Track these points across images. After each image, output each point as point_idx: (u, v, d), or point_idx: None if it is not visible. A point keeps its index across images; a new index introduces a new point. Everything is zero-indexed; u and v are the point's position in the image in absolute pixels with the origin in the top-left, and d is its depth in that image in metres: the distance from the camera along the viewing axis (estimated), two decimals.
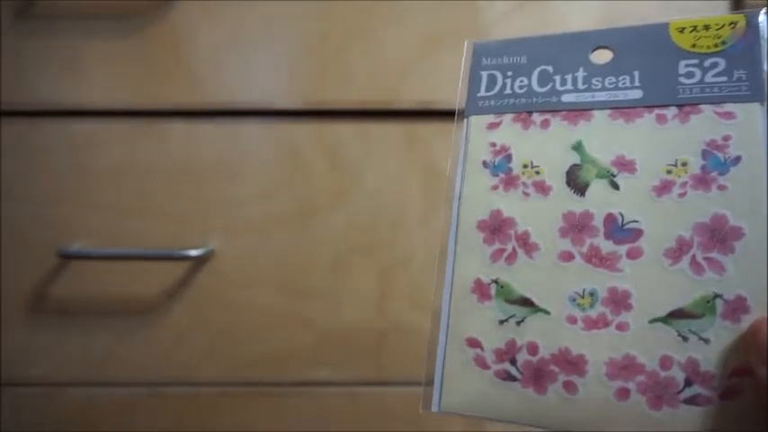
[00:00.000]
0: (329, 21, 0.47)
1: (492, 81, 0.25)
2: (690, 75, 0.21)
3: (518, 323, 0.21)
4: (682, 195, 0.20)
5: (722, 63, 0.21)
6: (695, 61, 0.21)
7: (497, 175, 0.23)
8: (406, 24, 0.47)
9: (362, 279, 0.48)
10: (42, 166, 0.48)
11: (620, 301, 0.20)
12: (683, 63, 0.22)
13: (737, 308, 0.18)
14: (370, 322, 0.48)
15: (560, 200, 0.22)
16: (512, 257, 0.22)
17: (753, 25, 0.21)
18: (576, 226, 0.21)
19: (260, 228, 0.48)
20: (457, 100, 0.25)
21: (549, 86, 0.23)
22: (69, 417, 0.49)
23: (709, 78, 0.21)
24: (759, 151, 0.20)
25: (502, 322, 0.21)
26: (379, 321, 0.48)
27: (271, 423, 0.49)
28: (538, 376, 0.20)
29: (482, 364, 0.21)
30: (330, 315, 0.49)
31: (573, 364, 0.20)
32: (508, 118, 0.24)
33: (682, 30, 0.22)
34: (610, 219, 0.21)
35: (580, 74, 0.23)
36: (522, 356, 0.21)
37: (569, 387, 0.20)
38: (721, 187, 0.20)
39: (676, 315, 0.19)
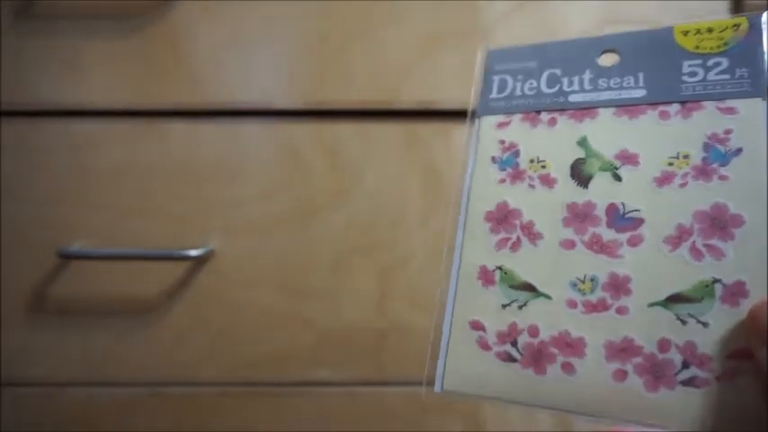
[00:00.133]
0: (329, 21, 0.47)
1: (503, 84, 0.26)
2: (693, 74, 0.22)
3: (520, 307, 0.22)
4: (683, 186, 0.21)
5: (725, 62, 0.22)
6: (698, 61, 0.22)
7: (505, 170, 0.24)
8: (406, 24, 0.47)
9: (362, 279, 0.48)
10: (42, 166, 0.48)
11: (620, 285, 0.20)
12: (686, 63, 0.22)
13: (736, 292, 0.19)
14: (370, 322, 0.48)
15: (564, 192, 0.22)
16: (516, 245, 0.23)
17: (755, 26, 0.21)
18: (579, 216, 0.22)
19: (260, 228, 0.48)
20: (470, 102, 0.27)
21: (556, 88, 0.24)
22: (69, 417, 0.49)
23: (711, 77, 0.22)
24: (760, 142, 0.20)
25: (505, 306, 0.22)
26: (379, 321, 0.48)
27: (271, 423, 0.49)
28: (537, 357, 0.21)
29: (484, 345, 0.22)
30: (330, 315, 0.49)
31: (572, 346, 0.20)
32: (517, 117, 0.25)
33: (686, 33, 0.23)
34: (612, 208, 0.21)
35: (587, 75, 0.24)
36: (523, 338, 0.21)
37: (568, 368, 0.20)
38: (722, 177, 0.20)
39: (675, 299, 0.19)
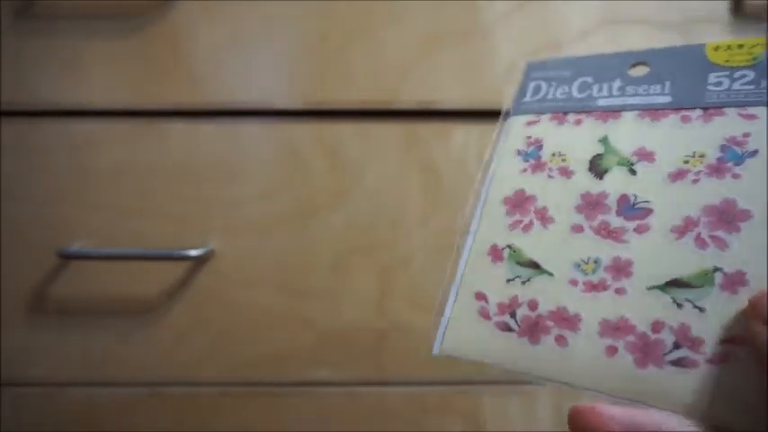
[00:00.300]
0: (329, 21, 0.47)
1: (537, 89, 0.27)
2: (718, 83, 0.23)
3: (523, 282, 0.23)
4: (695, 181, 0.21)
5: (751, 74, 0.22)
6: (725, 73, 0.23)
7: (528, 161, 0.25)
8: (406, 24, 0.47)
9: (362, 279, 0.48)
10: (42, 166, 0.48)
11: (621, 268, 0.21)
12: (713, 75, 0.23)
13: (736, 281, 0.19)
14: (370, 322, 0.48)
15: (580, 182, 0.23)
16: (528, 227, 0.24)
17: None
18: (591, 203, 0.23)
19: (260, 228, 0.48)
20: (504, 106, 0.29)
21: (586, 93, 0.26)
22: (69, 417, 0.49)
23: (736, 86, 0.22)
24: None
25: (509, 281, 0.23)
26: (379, 321, 0.48)
27: (271, 423, 0.49)
28: (533, 329, 0.22)
29: (485, 315, 0.23)
30: (330, 315, 0.49)
31: (568, 320, 0.21)
32: (546, 117, 0.26)
33: (717, 48, 0.24)
34: (623, 199, 0.22)
35: (616, 83, 0.25)
36: (523, 311, 0.22)
37: (561, 341, 0.21)
38: (735, 176, 0.21)
39: (674, 284, 0.20)
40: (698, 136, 0.22)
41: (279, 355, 0.49)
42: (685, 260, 0.20)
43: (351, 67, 0.47)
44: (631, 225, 0.22)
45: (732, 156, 0.21)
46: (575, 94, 0.26)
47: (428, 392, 0.49)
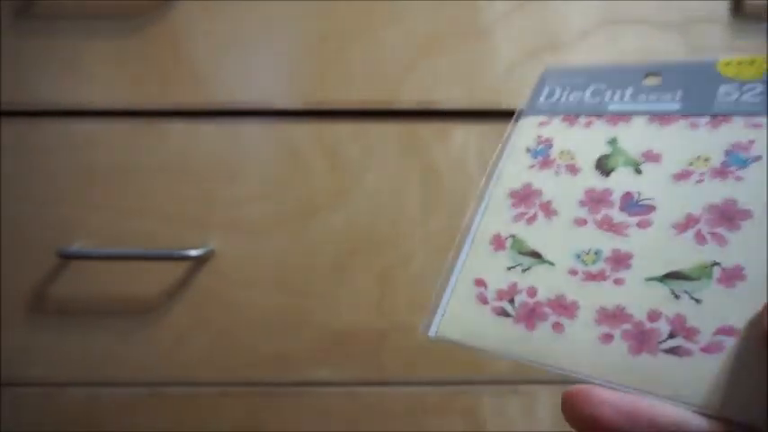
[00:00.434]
0: (329, 21, 0.47)
1: (551, 92, 0.28)
2: (728, 94, 0.24)
3: (524, 270, 0.23)
4: (699, 182, 0.22)
5: (760, 87, 0.23)
6: (735, 85, 0.24)
7: (536, 158, 0.26)
8: (406, 24, 0.47)
9: (362, 279, 0.48)
10: (42, 166, 0.48)
11: (621, 260, 0.22)
12: (722, 87, 0.24)
13: (734, 275, 0.20)
14: (370, 322, 0.48)
15: (586, 178, 0.24)
16: (532, 219, 0.24)
17: None
18: (595, 199, 0.23)
19: (260, 228, 0.48)
20: (518, 107, 0.29)
21: (598, 99, 0.27)
22: (69, 417, 0.49)
23: (745, 98, 0.23)
24: None
25: (509, 268, 0.23)
26: (379, 321, 0.48)
27: (270, 423, 0.49)
28: (530, 315, 0.22)
29: (483, 300, 0.23)
30: (330, 315, 0.49)
31: (565, 307, 0.22)
32: (558, 119, 0.27)
33: (728, 64, 0.25)
34: (627, 196, 0.23)
35: (628, 90, 0.26)
36: (521, 298, 0.23)
37: (557, 327, 0.21)
38: (738, 178, 0.21)
39: (673, 276, 0.20)
40: (704, 141, 0.23)
41: (279, 355, 0.49)
42: (685, 254, 0.21)
43: (351, 67, 0.47)
44: (634, 220, 0.22)
45: (736, 160, 0.22)
46: (587, 99, 0.27)
47: (428, 392, 0.49)
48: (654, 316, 0.20)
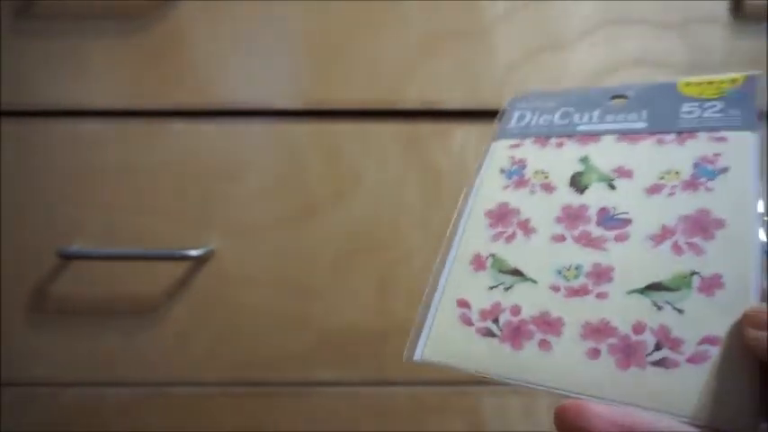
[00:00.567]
0: (329, 21, 0.47)
1: (522, 117, 0.29)
2: (690, 112, 0.25)
3: (506, 289, 0.23)
4: (671, 195, 0.22)
5: (720, 105, 0.24)
6: (696, 104, 0.25)
7: (511, 178, 0.27)
8: (406, 24, 0.47)
9: (362, 279, 0.48)
10: (42, 166, 0.48)
11: (602, 274, 0.22)
12: (685, 105, 0.25)
13: (713, 284, 0.20)
14: (370, 322, 0.48)
15: (562, 196, 0.25)
16: (511, 238, 0.25)
17: (750, 80, 0.24)
18: (572, 215, 0.24)
19: (260, 228, 0.48)
20: (491, 134, 0.30)
21: (567, 120, 0.27)
22: (70, 417, 0.49)
23: (707, 114, 0.24)
24: (746, 163, 0.22)
25: (491, 288, 0.23)
26: (379, 321, 0.48)
27: (271, 423, 0.49)
28: (516, 334, 0.22)
29: (467, 321, 0.23)
30: (330, 315, 0.49)
31: (551, 324, 0.21)
32: (529, 141, 0.28)
33: (688, 84, 0.26)
34: (603, 211, 0.23)
35: (596, 112, 0.27)
36: (505, 317, 0.22)
37: (544, 345, 0.21)
38: (708, 189, 0.22)
39: (654, 287, 0.21)
40: (673, 155, 0.24)
41: (279, 355, 0.49)
42: (663, 265, 0.21)
43: (351, 67, 0.47)
44: (611, 234, 0.22)
45: (704, 172, 0.22)
46: (557, 121, 0.28)
47: (428, 392, 0.49)
48: (639, 328, 0.20)
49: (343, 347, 0.49)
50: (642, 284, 0.21)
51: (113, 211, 0.48)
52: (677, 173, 0.23)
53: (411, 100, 0.47)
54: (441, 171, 0.48)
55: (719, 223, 0.21)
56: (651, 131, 0.25)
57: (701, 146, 0.23)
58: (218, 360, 0.49)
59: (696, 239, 0.21)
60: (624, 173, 0.24)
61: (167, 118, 0.48)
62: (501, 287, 0.23)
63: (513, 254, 0.24)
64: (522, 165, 0.27)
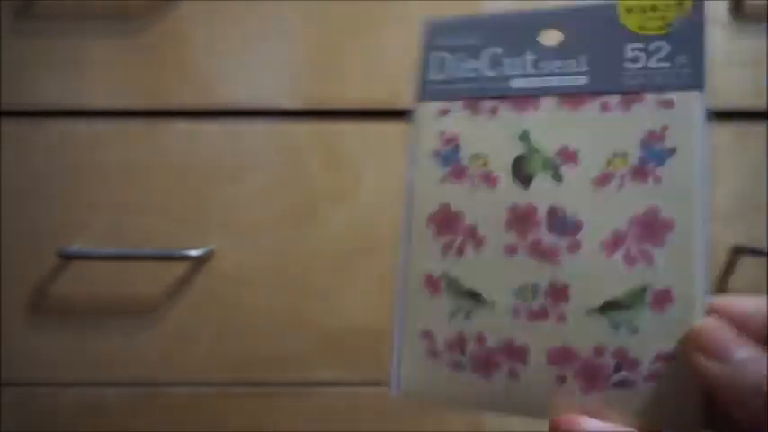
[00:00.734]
0: (329, 21, 0.47)
1: (442, 63, 0.25)
2: (635, 59, 0.22)
3: (466, 316, 0.23)
4: (620, 188, 0.21)
5: (666, 47, 0.22)
6: (641, 45, 0.22)
7: (447, 166, 0.24)
8: (406, 24, 0.47)
9: (363, 279, 0.48)
10: (43, 165, 0.48)
11: (559, 293, 0.21)
12: (628, 47, 0.22)
13: (663, 298, 0.20)
14: (370, 322, 0.48)
15: (506, 192, 0.23)
16: (461, 251, 0.23)
17: (698, 6, 0.22)
18: (520, 219, 0.22)
19: (260, 228, 0.48)
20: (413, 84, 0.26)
21: (498, 71, 0.24)
22: (69, 417, 0.49)
23: (652, 63, 0.22)
24: (693, 143, 0.21)
25: (452, 315, 0.23)
26: (380, 321, 0.48)
27: (271, 423, 0.49)
28: (485, 365, 0.22)
29: (434, 354, 0.23)
30: (330, 315, 0.49)
31: (516, 353, 0.22)
32: (458, 105, 0.24)
33: (630, 10, 0.23)
34: (552, 212, 0.22)
35: (529, 58, 0.24)
36: (471, 347, 0.22)
37: (513, 373, 0.22)
38: (656, 178, 0.21)
39: (609, 306, 0.21)
40: (618, 130, 0.22)
41: (279, 355, 0.49)
42: (616, 280, 0.21)
43: (351, 67, 0.47)
44: (564, 243, 0.22)
45: (652, 155, 0.21)
46: (485, 71, 0.24)
47: None
48: (599, 351, 0.20)
49: (343, 347, 0.49)
50: (598, 302, 0.21)
51: (113, 211, 0.48)
52: (624, 156, 0.21)
53: (411, 100, 0.47)
54: None
55: (668, 225, 0.20)
56: (594, 91, 0.22)
57: (647, 114, 0.22)
58: (218, 360, 0.49)
59: (647, 246, 0.21)
60: (569, 156, 0.22)
61: (167, 118, 0.48)
62: (461, 314, 0.23)
63: (466, 272, 0.23)
64: (454, 146, 0.24)
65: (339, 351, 0.49)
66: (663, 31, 0.22)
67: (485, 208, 0.23)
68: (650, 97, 0.22)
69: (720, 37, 0.47)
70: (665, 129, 0.21)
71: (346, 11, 0.47)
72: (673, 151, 0.21)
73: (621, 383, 0.20)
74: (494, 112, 0.24)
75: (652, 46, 0.22)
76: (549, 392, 0.21)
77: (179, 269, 0.48)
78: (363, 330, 0.48)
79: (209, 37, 0.47)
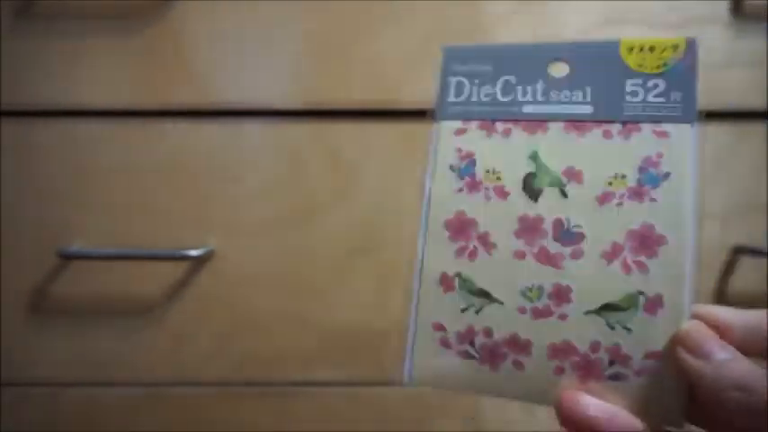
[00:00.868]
0: (329, 21, 0.47)
1: (460, 87, 0.28)
2: (634, 93, 0.25)
3: (477, 312, 0.25)
4: (619, 205, 0.24)
5: (662, 84, 0.25)
6: (639, 81, 0.25)
7: (463, 179, 0.27)
8: (406, 24, 0.47)
9: (362, 279, 0.48)
10: (42, 166, 0.48)
11: (562, 294, 0.24)
12: (629, 82, 0.25)
13: (655, 303, 0.23)
14: (370, 322, 0.48)
15: (517, 204, 0.26)
16: (473, 254, 0.26)
17: (691, 48, 0.25)
18: (529, 228, 0.25)
19: (260, 228, 0.48)
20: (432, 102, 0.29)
21: (511, 97, 0.27)
22: (69, 417, 0.49)
23: (650, 98, 0.25)
24: (685, 169, 0.24)
25: (463, 310, 0.25)
26: (380, 321, 0.48)
27: (271, 423, 0.49)
28: (492, 355, 0.25)
29: (446, 344, 0.25)
30: (330, 315, 0.49)
31: (521, 346, 0.24)
32: (474, 125, 0.27)
33: (631, 49, 0.25)
34: (558, 223, 0.25)
35: (539, 86, 0.27)
36: (480, 339, 0.25)
37: (517, 364, 0.24)
38: (652, 199, 0.24)
39: (607, 308, 0.23)
40: (619, 155, 0.25)
41: (279, 355, 0.49)
42: (614, 285, 0.23)
43: (351, 67, 0.47)
44: (567, 250, 0.24)
45: (649, 179, 0.24)
46: (499, 97, 0.27)
47: (428, 392, 0.49)
48: (595, 347, 0.23)
49: (343, 347, 0.49)
50: (597, 305, 0.23)
51: (113, 211, 0.48)
52: (624, 177, 0.24)
53: (411, 100, 0.47)
54: None
55: (662, 240, 0.23)
56: (597, 119, 0.25)
57: (645, 142, 0.24)
58: (218, 360, 0.49)
59: (642, 257, 0.23)
60: (574, 175, 0.25)
61: (167, 118, 0.48)
62: (472, 309, 0.25)
63: (478, 273, 0.25)
64: (471, 160, 0.27)
65: (339, 351, 0.49)
66: (659, 70, 0.25)
67: (497, 217, 0.26)
68: (647, 128, 0.25)
69: (720, 37, 0.47)
70: (660, 156, 0.24)
71: (346, 11, 0.47)
72: (667, 176, 0.24)
73: (615, 376, 0.23)
74: (506, 133, 0.27)
75: (650, 83, 0.25)
76: (550, 382, 0.23)
77: (179, 269, 0.48)
78: (363, 330, 0.49)
79: (208, 37, 0.47)
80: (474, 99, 0.28)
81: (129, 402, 0.49)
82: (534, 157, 0.26)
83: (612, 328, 0.23)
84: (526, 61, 0.27)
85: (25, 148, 0.48)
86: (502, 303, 0.25)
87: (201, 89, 0.47)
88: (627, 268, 0.23)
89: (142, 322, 0.49)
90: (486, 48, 0.28)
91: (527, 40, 0.47)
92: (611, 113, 0.25)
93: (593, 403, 0.22)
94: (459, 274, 0.26)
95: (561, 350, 0.24)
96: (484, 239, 0.26)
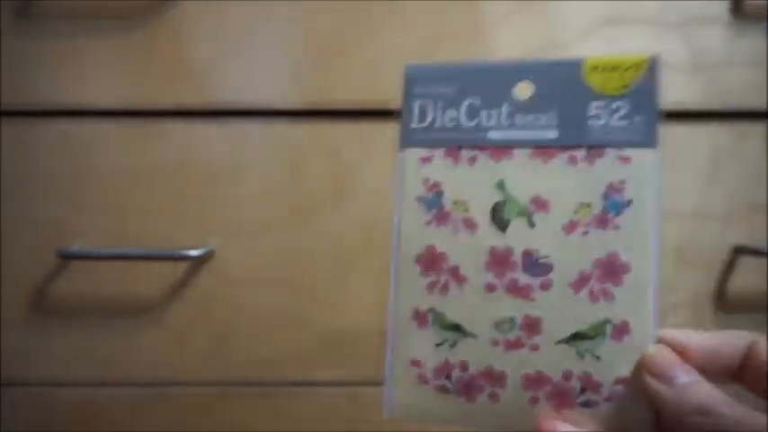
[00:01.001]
0: (329, 21, 0.47)
1: (423, 112, 0.27)
2: (598, 117, 0.25)
3: (451, 346, 0.26)
4: (585, 234, 0.24)
5: (625, 107, 0.25)
6: (602, 103, 0.25)
7: (431, 210, 0.27)
8: (406, 24, 0.47)
9: (362, 279, 0.48)
10: (42, 166, 0.48)
11: (533, 325, 0.24)
12: (593, 104, 0.25)
13: (622, 330, 0.23)
14: (370, 322, 0.48)
15: (486, 236, 0.26)
16: (445, 289, 0.26)
17: (652, 68, 0.24)
18: (499, 260, 0.25)
19: (260, 228, 0.48)
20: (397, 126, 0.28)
21: (476, 121, 0.26)
22: (69, 417, 0.49)
23: (613, 122, 0.25)
24: (646, 195, 0.24)
25: (438, 345, 0.26)
26: (380, 321, 0.48)
27: (271, 423, 0.49)
28: (469, 389, 0.25)
29: (424, 380, 0.26)
30: (330, 315, 0.49)
31: (495, 378, 0.25)
32: (439, 153, 0.27)
33: (594, 68, 0.25)
34: (526, 254, 0.25)
35: (504, 110, 0.26)
36: (456, 373, 0.25)
37: (493, 396, 0.25)
38: (616, 227, 0.24)
39: (576, 337, 0.24)
40: (584, 181, 0.25)
41: (279, 355, 0.49)
42: (583, 314, 0.24)
43: (351, 67, 0.47)
44: (537, 282, 0.25)
45: (612, 206, 0.24)
46: (464, 122, 0.26)
47: None
48: (567, 376, 0.24)
49: (343, 347, 0.49)
50: (566, 334, 0.24)
51: (113, 212, 0.48)
52: (588, 206, 0.24)
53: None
54: None
55: (626, 267, 0.24)
56: (562, 145, 0.25)
57: (608, 168, 0.24)
58: (218, 360, 0.49)
59: (608, 285, 0.24)
60: (541, 205, 0.25)
61: (167, 118, 0.48)
62: (446, 344, 0.26)
63: (450, 307, 0.26)
64: (438, 191, 0.26)
65: (339, 351, 0.49)
66: (622, 92, 0.25)
67: (467, 250, 0.26)
68: (611, 152, 0.25)
69: (720, 37, 0.47)
70: (622, 182, 0.24)
71: (346, 11, 0.47)
72: (629, 203, 0.24)
73: (586, 403, 0.23)
74: (472, 161, 0.26)
75: (613, 105, 0.25)
76: (525, 412, 0.24)
77: (179, 269, 0.48)
78: (363, 330, 0.49)
79: (208, 37, 0.47)
80: (438, 125, 0.27)
81: (129, 402, 0.49)
82: (501, 185, 0.26)
83: (582, 356, 0.24)
84: (490, 82, 0.26)
85: (25, 148, 0.48)
86: (475, 337, 0.25)
87: (201, 89, 0.47)
88: (594, 296, 0.24)
89: (141, 322, 0.49)
90: (450, 67, 0.27)
91: (527, 41, 0.47)
92: (577, 138, 0.25)
93: (569, 430, 0.23)
94: (432, 309, 0.26)
95: (535, 380, 0.24)
96: (455, 273, 0.26)
